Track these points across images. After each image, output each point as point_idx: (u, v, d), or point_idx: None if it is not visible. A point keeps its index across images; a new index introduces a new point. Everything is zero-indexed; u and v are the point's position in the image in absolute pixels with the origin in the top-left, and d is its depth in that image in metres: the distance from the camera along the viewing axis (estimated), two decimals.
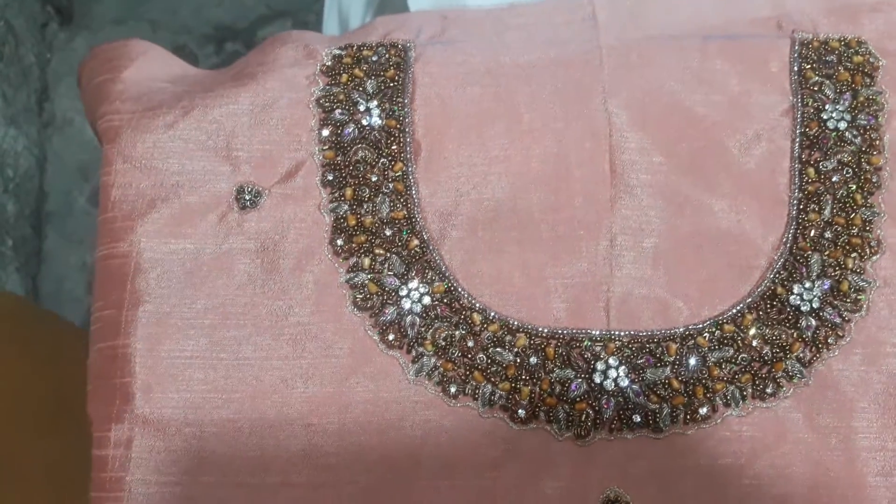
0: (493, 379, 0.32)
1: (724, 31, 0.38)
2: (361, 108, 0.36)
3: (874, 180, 0.34)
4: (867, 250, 0.33)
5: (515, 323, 0.33)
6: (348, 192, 0.34)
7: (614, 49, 0.37)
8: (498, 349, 0.32)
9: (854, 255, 0.33)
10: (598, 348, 0.32)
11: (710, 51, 0.37)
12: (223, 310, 0.33)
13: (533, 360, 0.32)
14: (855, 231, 0.34)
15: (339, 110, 0.36)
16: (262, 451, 0.32)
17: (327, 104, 0.36)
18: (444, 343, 0.32)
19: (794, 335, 0.32)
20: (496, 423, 0.32)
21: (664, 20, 0.38)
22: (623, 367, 0.32)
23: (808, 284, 0.33)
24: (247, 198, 0.35)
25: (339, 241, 0.34)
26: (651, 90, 0.36)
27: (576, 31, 0.38)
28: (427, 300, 0.33)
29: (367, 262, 0.33)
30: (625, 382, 0.32)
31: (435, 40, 0.39)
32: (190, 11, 1.00)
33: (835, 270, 0.33)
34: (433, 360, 0.32)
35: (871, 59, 0.36)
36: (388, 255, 0.34)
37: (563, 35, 0.38)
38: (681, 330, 0.33)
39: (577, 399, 0.32)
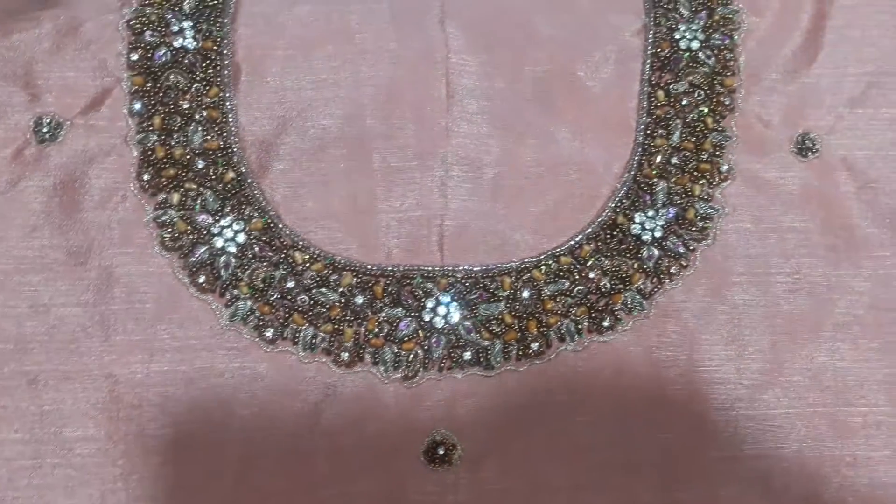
0: (315, 321, 0.31)
1: None
2: (174, 28, 0.34)
3: (727, 103, 0.35)
4: (717, 176, 0.34)
5: (342, 261, 0.32)
6: (157, 120, 0.33)
7: None
8: (322, 289, 0.32)
9: (702, 181, 0.34)
10: (429, 285, 0.32)
11: None
12: (17, 253, 0.32)
13: (359, 299, 0.32)
14: (705, 156, 0.34)
15: (150, 32, 0.34)
16: (60, 405, 0.31)
17: (138, 26, 0.35)
18: (261, 285, 0.32)
19: (635, 266, 0.33)
20: (319, 368, 0.31)
21: None
22: (455, 303, 0.32)
23: (650, 213, 0.33)
24: (45, 130, 0.33)
25: (146, 176, 0.33)
26: (494, 10, 0.36)
27: None
28: (242, 238, 0.32)
29: (176, 197, 0.32)
30: (455, 319, 0.32)
31: None
32: None
33: (681, 198, 0.33)
34: (249, 303, 0.32)
35: None
36: (201, 189, 0.33)
37: None
38: (516, 263, 0.32)
39: (406, 338, 0.31)
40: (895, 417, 0.32)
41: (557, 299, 0.32)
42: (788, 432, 0.32)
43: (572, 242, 0.33)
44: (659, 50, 0.35)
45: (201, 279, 0.32)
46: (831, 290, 0.33)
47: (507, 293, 0.32)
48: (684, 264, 0.33)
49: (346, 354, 0.31)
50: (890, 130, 0.35)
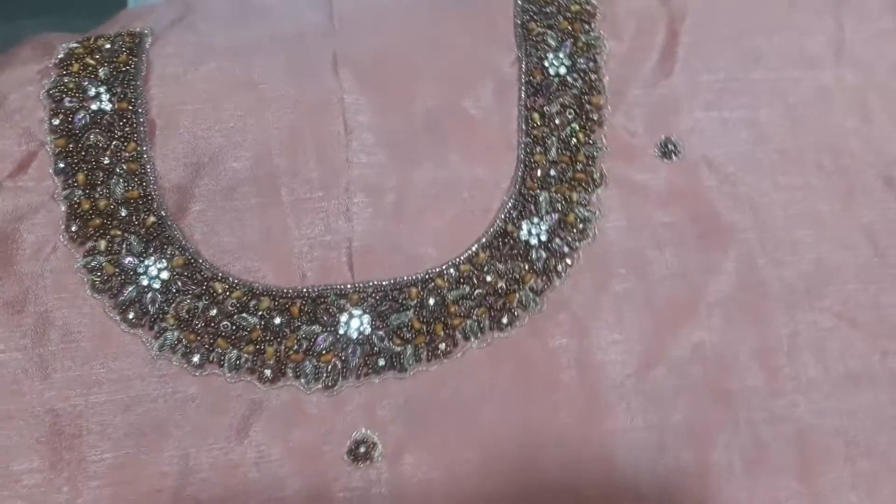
0: (238, 344, 0.36)
1: None
2: (91, 93, 0.39)
3: (595, 118, 0.40)
4: (591, 184, 0.39)
5: (259, 287, 0.37)
6: (80, 177, 0.37)
7: (346, 18, 0.42)
8: (243, 314, 0.36)
9: (579, 189, 0.39)
10: (343, 301, 0.37)
11: (438, 13, 0.42)
12: None
13: (277, 320, 0.36)
14: (579, 167, 0.40)
15: (69, 98, 0.39)
16: (6, 442, 0.34)
17: (57, 94, 0.39)
18: (187, 316, 0.36)
19: (526, 267, 0.38)
20: (246, 387, 0.35)
21: None
22: (367, 315, 0.36)
23: (535, 220, 0.38)
24: None
25: (74, 227, 0.37)
26: (384, 55, 0.41)
27: (312, 7, 0.43)
28: (166, 275, 0.36)
29: (103, 244, 0.37)
30: (367, 330, 0.36)
31: (174, 25, 0.43)
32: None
33: (562, 204, 0.39)
34: (176, 333, 0.36)
35: (587, 7, 0.43)
36: (126, 235, 0.37)
37: (301, 11, 0.43)
38: (421, 274, 0.37)
39: (324, 351, 0.36)
40: (768, 383, 0.37)
41: (460, 303, 0.37)
42: (675, 402, 0.37)
43: (469, 252, 0.38)
44: (532, 78, 0.41)
45: (131, 315, 0.36)
46: (703, 273, 0.39)
47: (414, 302, 0.37)
48: (569, 262, 0.38)
49: (269, 371, 0.35)
50: (743, 129, 0.41)
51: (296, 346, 0.36)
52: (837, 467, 0.37)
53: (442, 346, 0.36)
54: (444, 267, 0.37)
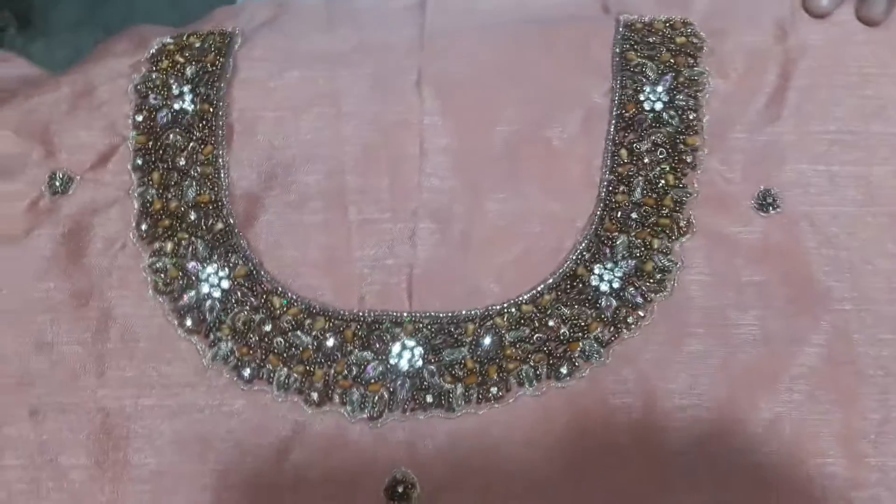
0: (288, 362, 0.35)
1: (548, 14, 0.41)
2: (176, 91, 0.39)
3: (689, 160, 0.38)
4: (675, 231, 0.37)
5: (317, 306, 0.36)
6: (156, 176, 0.38)
7: (436, 34, 0.41)
8: (297, 332, 0.36)
9: (662, 235, 0.36)
10: (397, 330, 0.35)
11: (530, 36, 0.40)
12: (27, 295, 0.37)
13: (330, 342, 0.35)
14: (665, 212, 0.37)
15: (154, 95, 0.39)
16: (58, 435, 0.35)
17: (143, 90, 0.39)
18: (242, 328, 0.36)
19: (594, 315, 0.35)
20: (291, 407, 0.35)
21: (492, 10, 0.42)
22: (419, 348, 0.35)
23: (609, 265, 0.36)
24: (58, 184, 0.38)
25: (144, 226, 0.37)
26: (469, 77, 0.39)
27: (404, 17, 0.42)
28: (227, 284, 0.36)
29: (169, 246, 0.37)
30: (419, 363, 0.35)
31: (265, 27, 0.42)
32: (143, 15, 1.05)
33: (640, 251, 0.36)
34: (230, 344, 0.35)
35: (694, 40, 0.40)
36: (192, 238, 0.37)
37: (392, 20, 0.42)
38: (480, 310, 0.36)
39: (373, 381, 0.35)
40: (850, 470, 0.34)
41: (518, 346, 0.35)
42: (745, 482, 0.34)
43: (534, 291, 0.36)
44: (624, 111, 0.38)
45: (188, 321, 0.36)
46: (789, 342, 0.35)
47: (469, 339, 0.35)
48: (642, 314, 0.36)
49: (316, 394, 0.35)
50: (851, 188, 0.37)
51: (345, 372, 0.35)
52: None
53: (494, 389, 0.35)
54: (504, 305, 0.36)
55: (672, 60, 0.39)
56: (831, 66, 0.39)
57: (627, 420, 0.34)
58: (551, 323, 0.35)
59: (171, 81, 0.40)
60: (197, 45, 0.41)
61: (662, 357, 0.35)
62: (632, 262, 0.36)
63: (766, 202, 0.37)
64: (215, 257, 0.37)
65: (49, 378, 0.35)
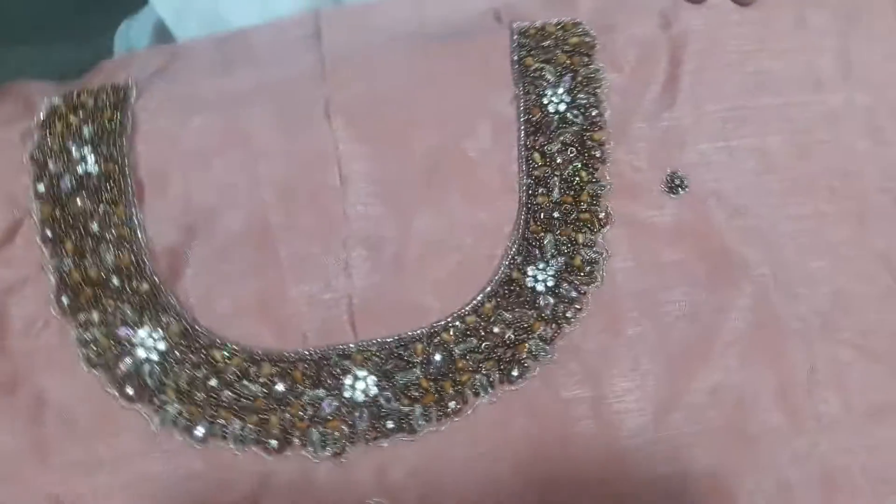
0: (241, 414, 0.34)
1: (445, 30, 0.42)
2: (76, 156, 0.38)
3: (598, 155, 0.39)
4: (596, 223, 0.38)
5: (260, 352, 0.35)
6: (69, 245, 0.36)
7: (337, 61, 0.40)
8: (244, 382, 0.35)
9: (585, 230, 0.38)
10: (346, 362, 0.35)
11: (430, 52, 0.41)
12: None
13: (280, 387, 0.35)
14: (584, 207, 0.38)
15: (53, 162, 0.37)
16: None
17: (41, 157, 0.38)
18: (187, 387, 0.35)
19: (534, 315, 0.36)
20: (252, 459, 0.34)
21: (388, 26, 0.42)
22: (371, 376, 0.35)
23: (541, 265, 0.37)
24: None
25: (65, 299, 0.36)
26: (378, 100, 0.40)
27: (301, 49, 0.42)
28: (163, 345, 0.35)
29: (96, 315, 0.35)
30: (374, 391, 0.35)
31: (159, 76, 0.41)
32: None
33: (567, 247, 0.37)
34: (176, 406, 0.34)
35: (586, 39, 0.41)
36: (119, 304, 0.35)
37: (291, 53, 0.42)
38: (426, 329, 0.36)
39: (330, 417, 0.35)
40: (790, 422, 0.36)
41: (468, 357, 0.36)
42: (696, 449, 0.36)
43: (475, 302, 0.37)
44: (531, 116, 0.39)
45: (129, 390, 0.34)
46: (716, 312, 0.37)
47: (419, 359, 0.36)
48: (578, 307, 0.37)
49: (275, 441, 0.34)
50: (750, 160, 0.40)
51: (301, 413, 0.35)
52: None
53: (452, 404, 0.35)
54: (448, 320, 0.36)
55: (568, 61, 0.41)
56: (714, 48, 0.41)
57: (581, 410, 0.36)
58: (496, 329, 0.36)
59: (70, 145, 0.38)
60: (90, 102, 0.39)
61: (603, 344, 0.37)
62: (561, 259, 0.37)
63: (674, 184, 0.39)
64: (146, 319, 0.35)
65: None
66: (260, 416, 0.34)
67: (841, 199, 0.39)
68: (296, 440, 0.34)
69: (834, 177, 0.40)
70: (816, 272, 0.38)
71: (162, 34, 0.56)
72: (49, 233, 0.36)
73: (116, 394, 0.35)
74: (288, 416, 0.34)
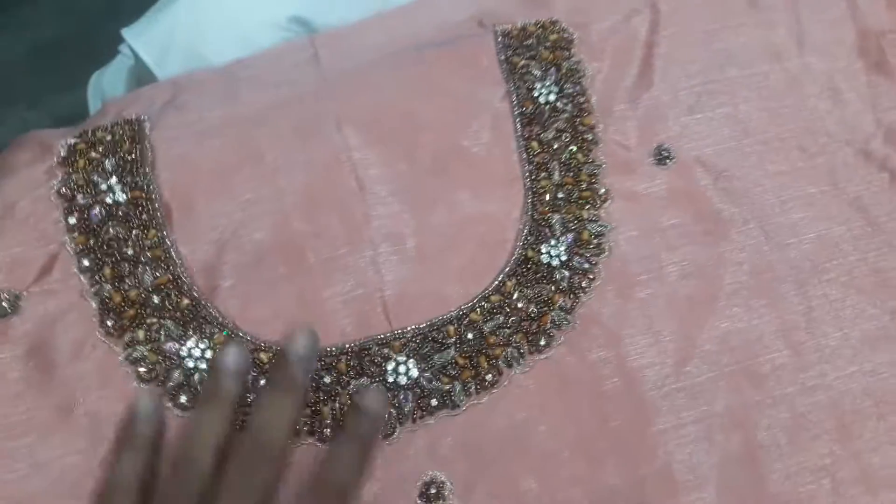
0: None
1: (435, 39, 0.45)
2: (103, 187, 0.39)
3: (590, 138, 0.42)
4: (597, 200, 0.41)
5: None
6: (107, 271, 0.38)
7: (339, 79, 0.43)
8: None
9: (587, 206, 0.41)
10: (386, 350, 0.37)
11: (425, 60, 0.44)
12: (4, 421, 0.35)
13: (327, 379, 0.37)
14: (584, 186, 0.41)
15: (81, 195, 0.39)
16: None
17: (68, 192, 0.39)
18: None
19: (553, 289, 0.39)
20: (309, 449, 0.36)
21: (382, 42, 0.45)
22: (411, 360, 0.37)
23: (553, 242, 0.40)
24: (5, 305, 0.37)
25: (109, 322, 0.37)
26: (380, 108, 0.42)
27: (303, 71, 0.44)
28: (210, 354, 0.37)
29: (141, 334, 0.37)
30: (415, 373, 0.37)
31: (168, 107, 0.43)
32: None
33: (574, 224, 0.40)
34: None
35: (565, 35, 0.44)
36: (162, 321, 0.37)
37: (292, 76, 0.44)
38: (454, 312, 0.38)
39: None
40: (794, 357, 0.39)
41: (497, 333, 0.38)
42: (715, 392, 0.38)
43: (496, 282, 0.39)
44: (524, 108, 0.42)
45: (182, 399, 0.36)
46: (716, 267, 0.40)
47: (453, 339, 0.38)
48: (592, 277, 0.39)
49: (329, 430, 0.36)
50: (726, 127, 0.43)
51: (349, 402, 0.36)
52: (872, 426, 0.38)
53: (488, 377, 0.37)
54: (475, 301, 0.39)
55: (551, 56, 0.44)
56: (681, 30, 0.45)
57: (607, 370, 0.38)
58: (520, 305, 0.38)
59: (95, 178, 0.39)
60: (108, 138, 0.41)
61: (619, 309, 0.39)
62: (570, 236, 0.40)
63: (661, 157, 0.42)
64: (190, 332, 0.37)
65: (52, 496, 0.34)
66: (311, 408, 0.36)
67: (811, 154, 0.43)
68: None
69: (803, 135, 0.43)
70: (799, 222, 0.42)
71: (140, 78, 0.57)
72: (86, 262, 0.38)
73: (171, 404, 0.36)
74: (338, 405, 0.36)
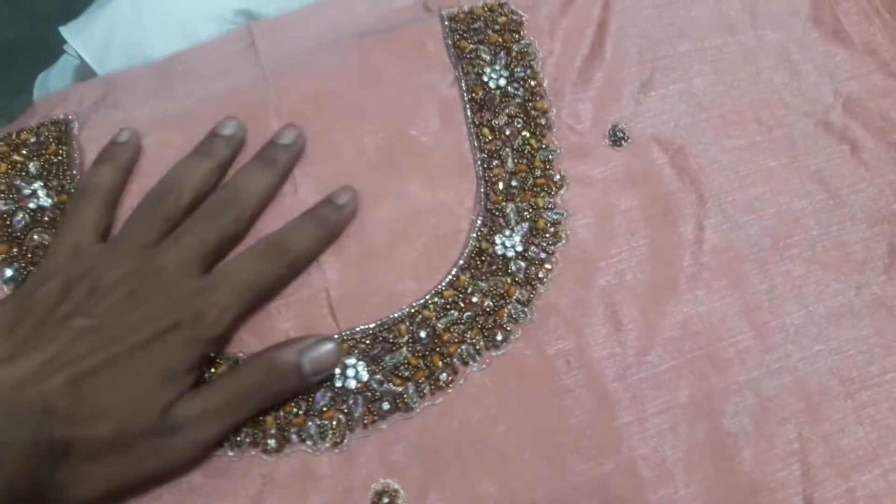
0: None
1: (379, 25, 0.42)
2: (26, 192, 0.36)
3: (543, 122, 0.40)
4: (553, 186, 0.39)
5: (243, 356, 0.35)
6: None
7: (277, 68, 0.40)
8: None
9: (543, 194, 0.38)
10: None
11: (367, 47, 0.41)
12: None
13: None
14: (538, 173, 0.39)
15: (3, 201, 0.36)
16: None
17: None
18: None
19: (508, 281, 0.37)
20: (252, 462, 0.33)
21: (323, 29, 0.42)
22: (361, 362, 0.35)
23: (507, 232, 0.37)
24: None
25: None
26: (321, 99, 0.40)
27: (238, 62, 0.41)
28: None
29: None
30: (365, 376, 0.34)
31: (98, 106, 0.40)
32: None
33: (529, 212, 0.38)
34: None
35: (513, 17, 0.42)
36: None
37: (228, 67, 0.41)
38: (406, 309, 0.36)
39: (325, 408, 0.34)
40: (758, 339, 0.37)
41: (452, 329, 0.36)
42: (678, 381, 0.36)
43: (450, 277, 0.37)
44: (474, 94, 0.40)
45: None
46: (676, 248, 0.39)
47: (405, 338, 0.35)
48: (549, 267, 0.37)
49: (273, 441, 0.33)
50: (681, 103, 0.41)
51: (295, 410, 0.34)
52: (840, 406, 0.37)
53: (443, 376, 0.35)
54: (427, 297, 0.36)
55: (500, 39, 0.41)
56: (631, 6, 0.43)
57: (567, 363, 0.36)
58: (475, 299, 0.36)
59: (18, 182, 0.37)
60: (32, 140, 0.38)
61: (578, 298, 0.37)
62: (525, 225, 0.38)
63: (616, 137, 0.40)
64: None
65: None
66: (253, 418, 0.33)
67: (769, 128, 0.41)
68: (293, 436, 0.34)
69: (760, 108, 0.41)
70: (759, 197, 0.40)
71: (86, 78, 0.54)
72: (9, 272, 0.35)
73: None
74: (282, 413, 0.34)
